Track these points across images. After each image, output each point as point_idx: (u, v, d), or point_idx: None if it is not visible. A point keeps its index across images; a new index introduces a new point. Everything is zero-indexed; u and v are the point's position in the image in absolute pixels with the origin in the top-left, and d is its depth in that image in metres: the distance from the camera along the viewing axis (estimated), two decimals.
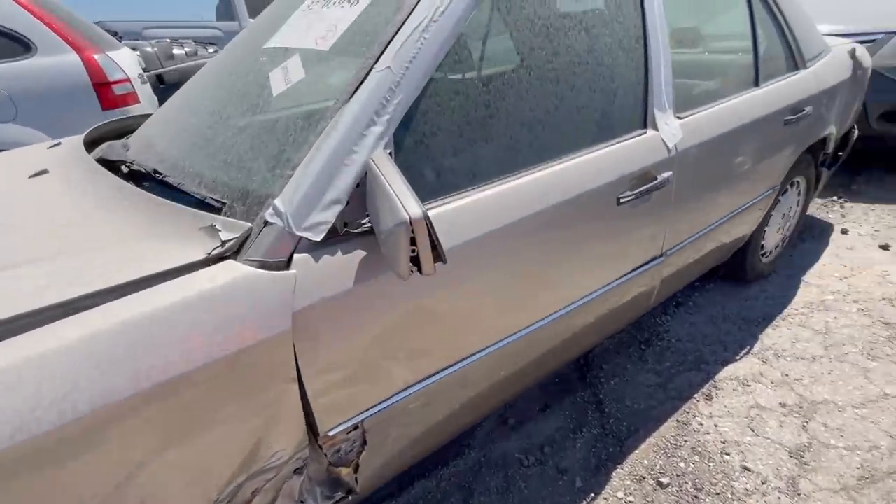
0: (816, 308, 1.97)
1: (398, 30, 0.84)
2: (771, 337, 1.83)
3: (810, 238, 2.50)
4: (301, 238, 0.75)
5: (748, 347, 1.79)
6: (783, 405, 1.53)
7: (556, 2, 1.09)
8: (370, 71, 0.82)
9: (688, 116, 1.34)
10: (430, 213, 0.87)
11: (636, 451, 1.42)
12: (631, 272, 1.32)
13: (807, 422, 1.46)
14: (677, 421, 1.51)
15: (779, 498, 1.25)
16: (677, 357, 1.77)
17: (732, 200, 1.59)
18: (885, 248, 2.34)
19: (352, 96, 0.81)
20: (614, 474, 1.36)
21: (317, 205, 0.76)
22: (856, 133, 2.45)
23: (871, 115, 2.84)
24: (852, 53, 2.04)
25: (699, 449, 1.41)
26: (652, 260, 1.37)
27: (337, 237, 0.79)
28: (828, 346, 1.76)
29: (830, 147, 2.08)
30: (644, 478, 1.34)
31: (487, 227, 0.92)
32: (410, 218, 0.63)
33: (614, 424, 1.52)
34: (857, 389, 1.56)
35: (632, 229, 1.24)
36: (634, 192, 1.17)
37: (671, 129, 1.26)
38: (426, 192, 0.89)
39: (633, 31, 1.20)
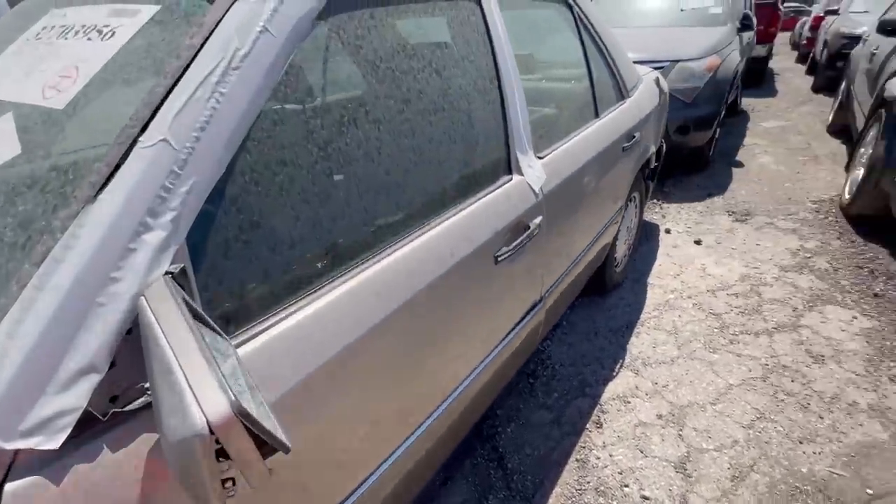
0: (664, 308, 2.18)
1: (175, 82, 0.57)
2: (636, 345, 1.96)
3: (645, 241, 2.82)
4: (17, 452, 0.43)
5: (621, 361, 1.88)
6: (660, 416, 1.61)
7: (401, 39, 0.92)
8: (132, 146, 0.53)
9: (547, 155, 1.30)
10: (261, 341, 0.61)
11: None
12: (517, 324, 1.22)
13: (681, 429, 1.56)
14: (576, 460, 1.47)
15: None
16: (563, 385, 1.76)
17: (594, 227, 1.64)
18: (698, 243, 2.76)
19: (101, 189, 0.51)
20: None
21: (46, 385, 0.44)
22: (664, 146, 2.86)
23: (670, 129, 3.37)
24: (657, 81, 2.33)
25: (601, 488, 1.38)
26: (534, 306, 1.30)
27: (98, 426, 0.48)
28: (680, 345, 1.95)
29: (653, 163, 2.34)
30: None
31: (347, 336, 0.69)
32: (210, 424, 0.37)
33: (519, 480, 1.42)
34: (709, 385, 1.73)
35: (512, 284, 1.14)
36: (511, 246, 1.06)
37: (535, 172, 1.20)
38: (252, 310, 0.63)
39: (485, 70, 1.10)
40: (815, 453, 1.44)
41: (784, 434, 1.51)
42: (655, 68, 3.29)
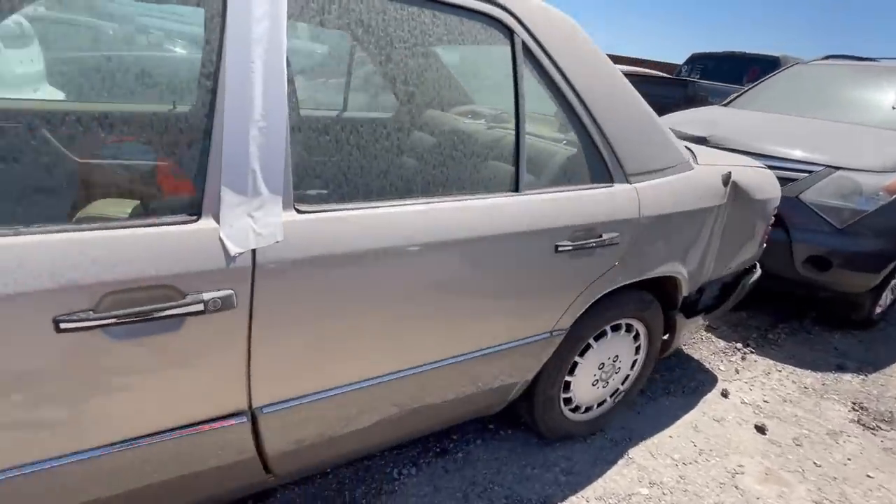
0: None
1: None
2: None
3: (680, 392, 1.97)
4: None
5: None
6: None
7: None
8: None
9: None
10: None
11: None
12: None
13: None
14: None
15: None
16: None
17: (474, 341, 1.13)
18: (761, 429, 1.80)
19: None
20: None
21: None
22: (757, 273, 1.99)
23: (797, 257, 2.36)
24: (726, 179, 1.60)
25: None
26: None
27: None
28: None
29: (684, 290, 1.60)
30: None
31: None
32: None
33: None
34: None
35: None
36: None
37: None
38: None
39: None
40: None
41: None
42: (791, 171, 2.40)
